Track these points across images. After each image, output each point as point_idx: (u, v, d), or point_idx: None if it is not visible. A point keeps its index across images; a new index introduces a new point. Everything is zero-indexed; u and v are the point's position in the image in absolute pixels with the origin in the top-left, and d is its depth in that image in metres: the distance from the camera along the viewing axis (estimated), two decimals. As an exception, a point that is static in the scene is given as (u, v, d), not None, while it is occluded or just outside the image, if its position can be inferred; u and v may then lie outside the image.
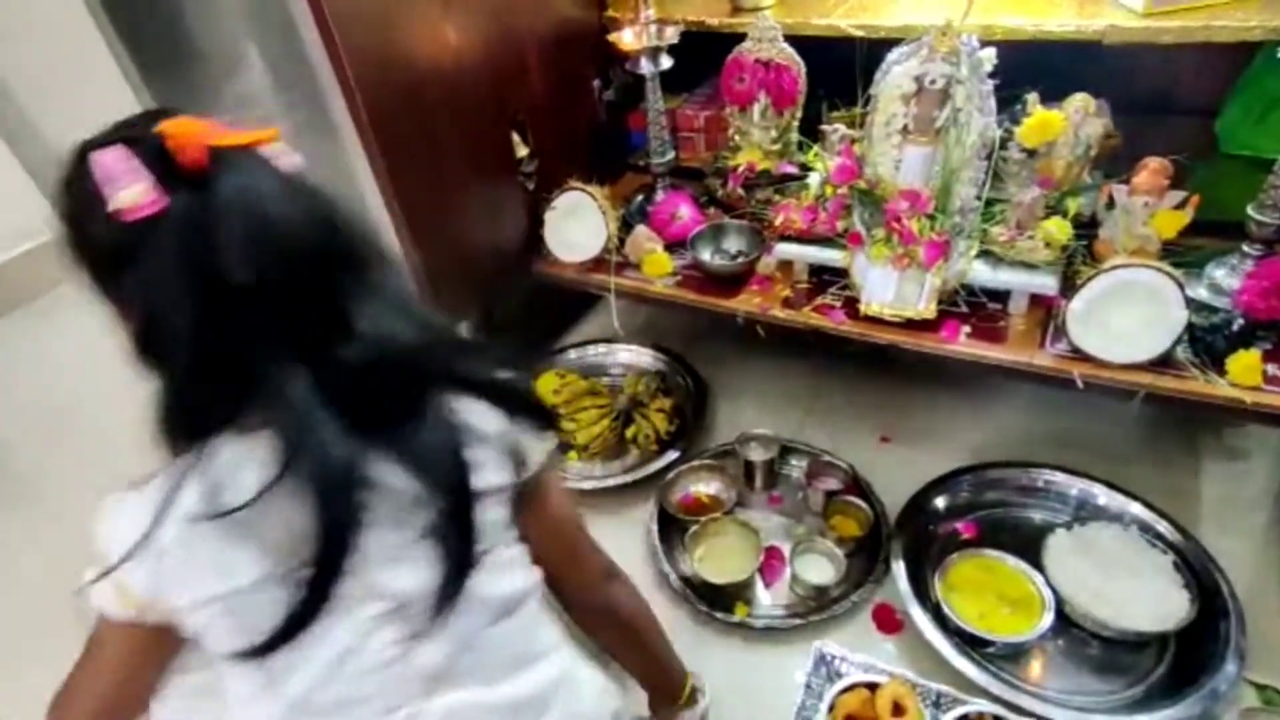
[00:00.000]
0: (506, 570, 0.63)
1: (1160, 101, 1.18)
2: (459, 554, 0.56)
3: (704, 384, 1.47)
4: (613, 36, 1.21)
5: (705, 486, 1.29)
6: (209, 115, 0.53)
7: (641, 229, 1.32)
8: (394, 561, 0.56)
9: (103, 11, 1.28)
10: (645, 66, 1.20)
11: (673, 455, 1.32)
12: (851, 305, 1.13)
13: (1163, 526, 1.02)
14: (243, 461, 0.51)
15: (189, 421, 0.52)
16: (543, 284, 1.42)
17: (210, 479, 0.51)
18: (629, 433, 1.41)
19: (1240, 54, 1.11)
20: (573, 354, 1.59)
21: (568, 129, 1.40)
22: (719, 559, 1.15)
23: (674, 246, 1.33)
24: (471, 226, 1.27)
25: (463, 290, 1.29)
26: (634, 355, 1.57)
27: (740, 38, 1.24)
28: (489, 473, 0.59)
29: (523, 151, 1.31)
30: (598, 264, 1.35)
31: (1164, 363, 0.91)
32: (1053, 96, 1.07)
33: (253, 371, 0.50)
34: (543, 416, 0.64)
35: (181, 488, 0.51)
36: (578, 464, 1.39)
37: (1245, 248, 0.95)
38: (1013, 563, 1.02)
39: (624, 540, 1.23)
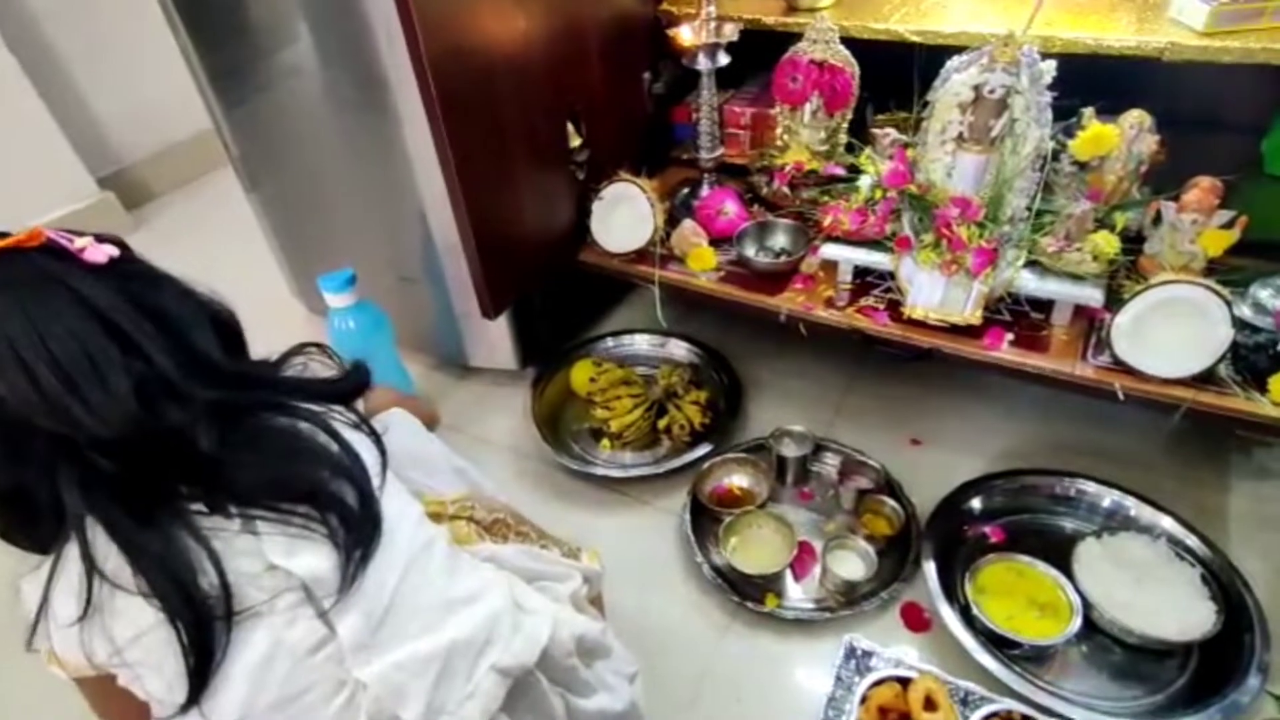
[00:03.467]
0: (403, 526, 0.66)
1: (1208, 118, 1.18)
2: (356, 530, 0.60)
3: (738, 379, 1.49)
4: (671, 31, 1.23)
5: (738, 479, 1.31)
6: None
7: (688, 223, 1.34)
8: (291, 549, 0.58)
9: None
10: (703, 63, 1.22)
11: (705, 448, 1.34)
12: (894, 308, 1.15)
13: (1192, 541, 1.04)
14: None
15: (31, 527, 0.57)
16: (585, 272, 1.44)
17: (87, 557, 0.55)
18: (662, 423, 1.43)
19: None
20: (609, 342, 1.61)
21: (618, 121, 1.43)
22: (752, 550, 1.18)
23: (718, 242, 1.35)
24: (523, 212, 1.29)
25: (509, 273, 1.32)
26: (669, 347, 1.59)
27: (794, 37, 1.26)
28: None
29: (576, 141, 1.33)
30: (641, 256, 1.37)
31: (1206, 379, 0.93)
32: (1104, 108, 1.08)
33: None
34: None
35: (63, 565, 0.56)
36: (608, 452, 1.41)
37: (1292, 270, 0.96)
38: (1043, 568, 1.04)
39: (655, 530, 1.26)
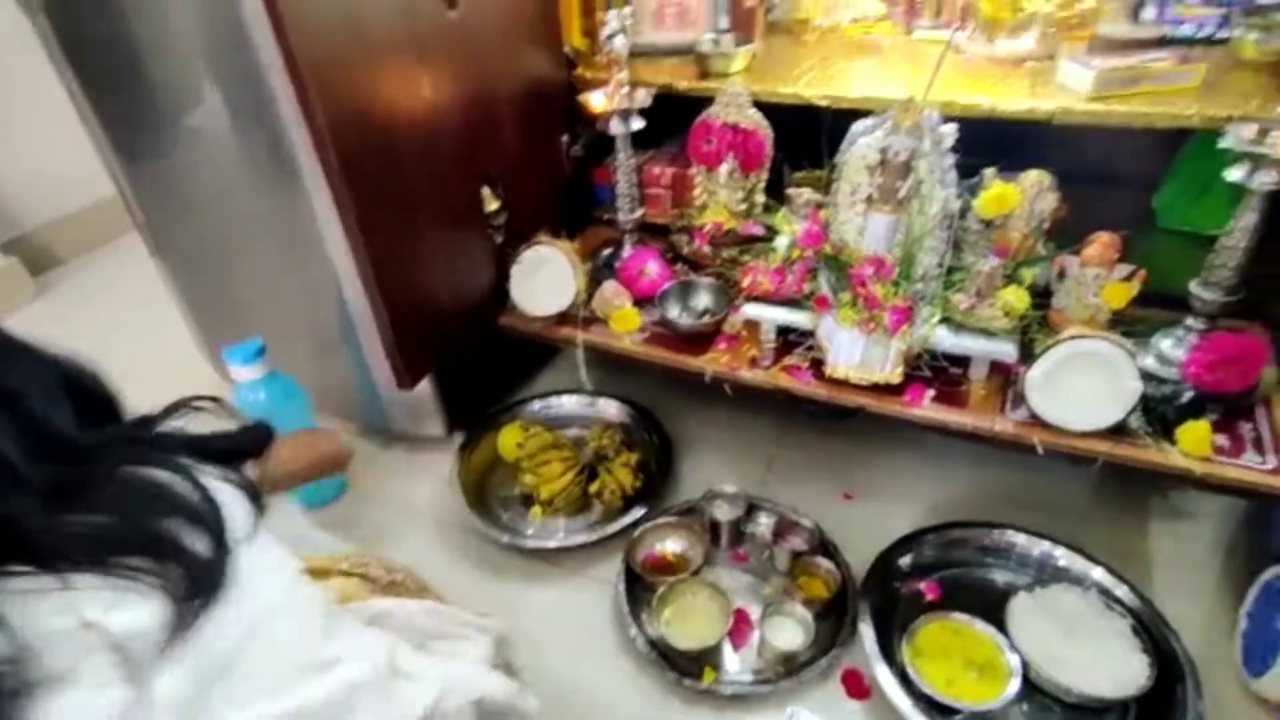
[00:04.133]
0: (269, 579, 0.59)
1: (1103, 175, 1.24)
2: (199, 580, 0.53)
3: (669, 438, 1.46)
4: (582, 98, 1.22)
5: (671, 544, 1.27)
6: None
7: (610, 284, 1.32)
8: (114, 603, 0.51)
9: (56, 44, 1.25)
10: (616, 128, 1.22)
11: (638, 512, 1.30)
12: (818, 366, 1.14)
13: (1121, 590, 1.04)
14: None
15: None
16: (508, 336, 1.41)
17: None
18: (593, 488, 1.38)
19: (1177, 135, 1.18)
20: (536, 405, 1.57)
21: (536, 184, 1.41)
22: (687, 621, 1.13)
23: (641, 302, 1.33)
24: (438, 278, 1.25)
25: (425, 342, 1.27)
26: (599, 407, 1.56)
27: (708, 101, 1.27)
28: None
29: (492, 205, 1.30)
30: (564, 318, 1.34)
31: (1119, 431, 0.94)
32: (1005, 167, 1.12)
33: None
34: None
35: None
36: (540, 520, 1.36)
37: (1190, 321, 0.99)
38: (980, 626, 1.03)
39: (588, 602, 1.20)
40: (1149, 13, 1.15)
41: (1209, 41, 1.17)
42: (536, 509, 1.37)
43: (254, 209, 1.25)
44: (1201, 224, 1.15)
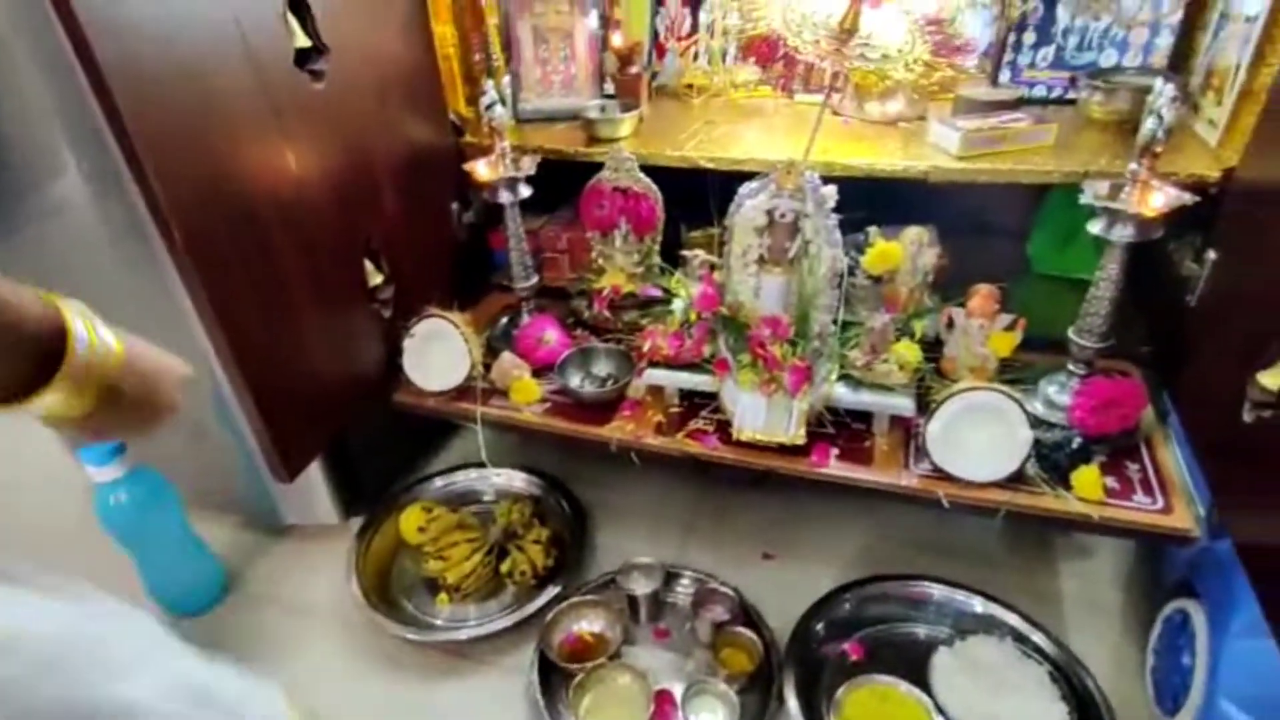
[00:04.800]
0: None
1: (980, 226, 1.30)
2: None
3: (582, 508, 1.40)
4: (467, 166, 1.19)
5: (589, 624, 1.20)
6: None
7: (507, 355, 1.27)
8: None
9: None
10: (503, 196, 1.18)
11: (553, 591, 1.23)
12: (724, 429, 1.12)
13: (1038, 637, 1.04)
14: None
15: None
16: (404, 413, 1.33)
17: None
18: (504, 568, 1.30)
19: (1042, 187, 1.25)
20: (439, 482, 1.48)
21: (425, 254, 1.35)
22: (606, 710, 1.06)
23: (542, 371, 1.28)
24: (320, 358, 1.17)
25: (305, 429, 1.17)
26: (506, 480, 1.48)
27: (598, 166, 1.26)
28: None
29: (377, 279, 1.24)
30: (462, 392, 1.28)
31: (1018, 479, 0.96)
32: (887, 220, 1.15)
33: None
34: None
35: None
36: (449, 608, 1.27)
37: (1070, 367, 1.03)
38: (905, 689, 1.00)
39: (501, 696, 1.12)
40: (1004, 75, 1.23)
41: (1060, 101, 1.25)
42: (443, 596, 1.28)
43: (116, 285, 1.14)
44: (1071, 269, 1.21)
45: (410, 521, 1.37)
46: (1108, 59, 1.21)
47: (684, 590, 1.24)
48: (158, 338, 1.20)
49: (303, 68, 1.02)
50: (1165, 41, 1.17)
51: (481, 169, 1.17)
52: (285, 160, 1.01)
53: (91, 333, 0.50)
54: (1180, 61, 1.17)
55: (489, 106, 1.12)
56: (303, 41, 1.01)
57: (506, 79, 1.21)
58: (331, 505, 1.39)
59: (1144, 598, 1.13)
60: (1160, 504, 0.92)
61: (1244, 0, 0.97)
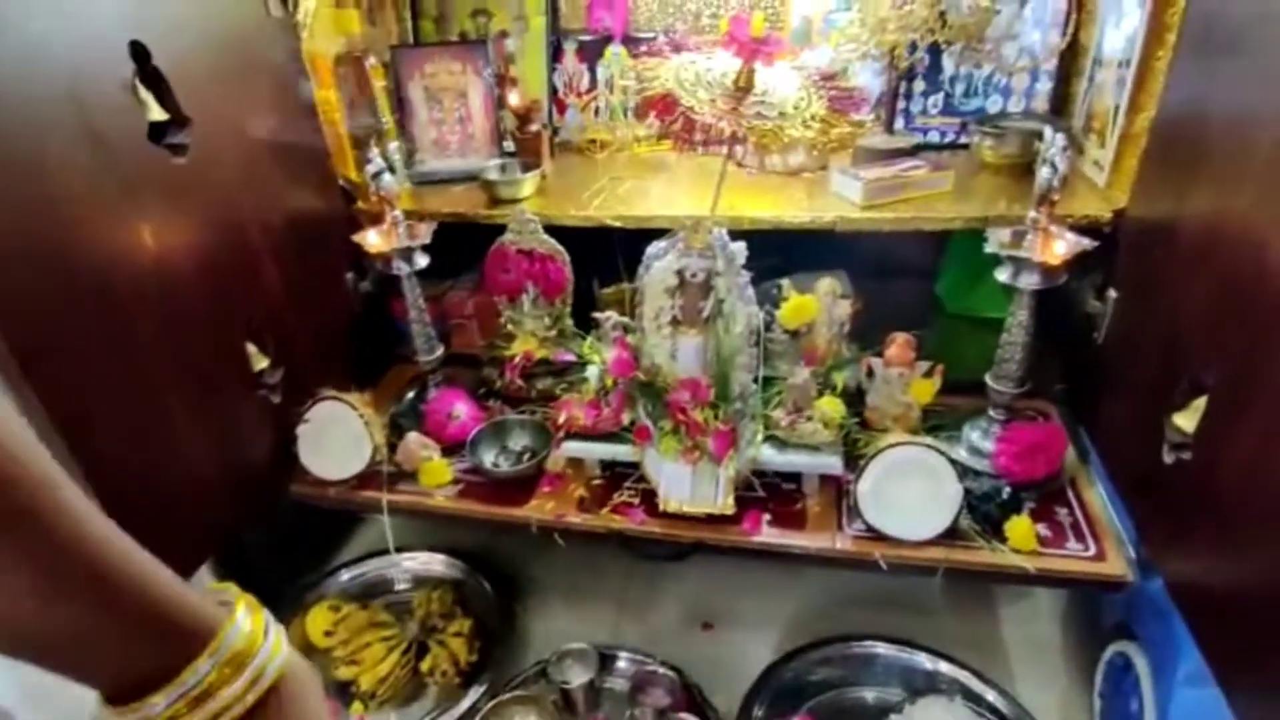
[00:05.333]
0: None
1: (888, 268, 1.30)
2: None
3: (506, 590, 1.30)
4: (357, 237, 1.10)
5: (520, 727, 1.10)
6: None
7: (413, 435, 1.17)
8: None
9: None
10: (398, 267, 1.10)
11: (478, 690, 1.13)
12: (650, 499, 1.05)
13: (991, 695, 1.01)
14: None
15: None
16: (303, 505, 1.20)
17: None
18: (424, 666, 1.19)
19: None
20: (346, 575, 1.36)
21: (318, 330, 1.24)
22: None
23: (453, 448, 1.19)
24: (198, 456, 1.04)
25: (188, 532, 1.04)
26: (422, 564, 1.37)
27: (501, 229, 1.20)
28: None
29: (262, 363, 1.12)
30: (366, 479, 1.17)
31: (953, 534, 0.93)
32: (796, 268, 1.13)
33: None
34: None
35: None
36: (362, 717, 1.14)
37: (991, 413, 1.02)
38: (857, 765, 0.95)
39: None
40: (899, 123, 1.25)
41: (954, 146, 1.28)
42: (358, 705, 1.16)
43: None
44: (982, 309, 1.22)
45: (316, 624, 1.25)
46: (994, 104, 1.25)
47: (622, 672, 1.16)
48: None
49: (159, 142, 0.92)
50: (1045, 87, 1.21)
51: (373, 239, 1.09)
52: (141, 240, 0.90)
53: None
54: (1061, 105, 1.21)
55: (376, 175, 1.05)
56: (158, 115, 0.92)
57: (394, 144, 1.14)
58: (225, 613, 1.24)
59: (1086, 638, 1.12)
60: (1092, 550, 0.91)
61: (1115, 45, 1.01)
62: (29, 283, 0.78)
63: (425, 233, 1.11)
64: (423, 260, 1.12)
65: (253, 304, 1.10)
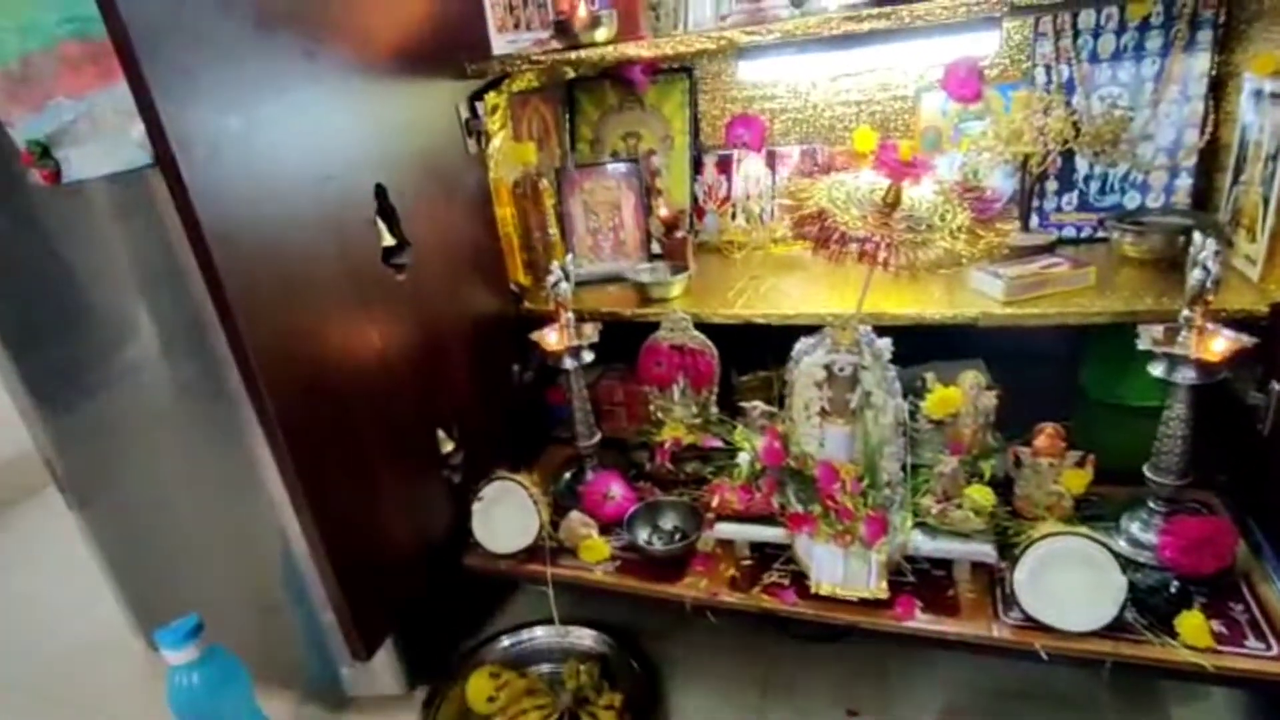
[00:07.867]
0: None
1: (1027, 357, 1.31)
2: None
3: (653, 666, 1.36)
4: (535, 336, 1.26)
5: (672, 802, 1.14)
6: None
7: (575, 514, 1.28)
8: None
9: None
10: (568, 363, 1.25)
11: (630, 764, 1.18)
12: (801, 581, 1.10)
13: (1162, 803, 0.96)
14: None
15: None
16: (472, 576, 1.33)
17: None
18: (577, 736, 1.25)
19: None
20: (505, 641, 1.45)
21: (490, 417, 1.41)
22: None
23: (609, 527, 1.29)
24: (397, 529, 1.19)
25: (381, 605, 1.18)
26: (573, 637, 1.45)
27: (649, 325, 1.32)
28: None
29: (448, 446, 1.28)
30: (531, 553, 1.28)
31: (1118, 627, 0.92)
32: (936, 357, 1.17)
33: None
34: None
35: None
36: (521, 786, 1.21)
37: (1151, 504, 1.02)
38: None
39: None
40: (1034, 221, 1.30)
41: (1091, 240, 1.31)
42: (513, 770, 1.22)
43: (188, 458, 1.21)
44: (1130, 399, 1.22)
45: (479, 690, 1.33)
46: (1131, 200, 1.27)
47: (769, 757, 1.18)
48: (230, 508, 1.26)
49: (388, 262, 1.12)
50: (1185, 182, 1.23)
51: (550, 338, 1.24)
52: (370, 341, 1.09)
53: None
54: (1204, 199, 1.22)
55: (555, 284, 1.21)
56: (389, 241, 1.12)
57: (570, 256, 1.30)
58: (396, 675, 1.36)
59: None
60: (1275, 649, 0.88)
61: (1262, 139, 1.02)
62: (292, 366, 0.97)
63: (592, 332, 1.25)
64: (588, 357, 1.26)
65: (445, 394, 1.27)
